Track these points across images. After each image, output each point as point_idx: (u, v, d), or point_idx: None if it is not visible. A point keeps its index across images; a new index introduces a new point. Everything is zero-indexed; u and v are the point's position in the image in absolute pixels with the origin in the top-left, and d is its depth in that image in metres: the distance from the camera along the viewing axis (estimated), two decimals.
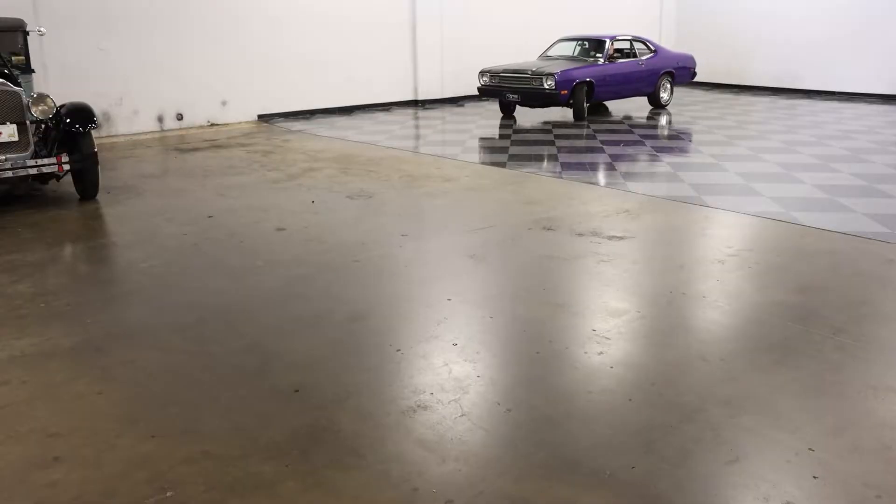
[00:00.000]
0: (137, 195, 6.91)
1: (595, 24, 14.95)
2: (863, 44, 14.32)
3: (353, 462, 2.69)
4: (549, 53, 12.68)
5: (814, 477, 2.58)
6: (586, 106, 11.43)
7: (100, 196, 6.77)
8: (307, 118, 12.17)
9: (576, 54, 12.49)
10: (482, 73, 11.80)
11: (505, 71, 11.49)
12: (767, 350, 3.56)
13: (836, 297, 4.22)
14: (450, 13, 13.65)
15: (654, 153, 8.77)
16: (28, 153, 6.22)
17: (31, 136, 6.27)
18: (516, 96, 11.28)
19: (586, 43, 12.53)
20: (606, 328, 3.84)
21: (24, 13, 8.55)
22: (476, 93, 12.41)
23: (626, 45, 12.43)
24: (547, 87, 10.76)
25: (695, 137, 9.96)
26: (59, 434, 2.89)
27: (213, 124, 11.41)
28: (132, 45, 10.31)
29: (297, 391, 3.20)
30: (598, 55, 11.94)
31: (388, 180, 7.41)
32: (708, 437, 2.83)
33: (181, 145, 9.80)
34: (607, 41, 12.01)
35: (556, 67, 11.06)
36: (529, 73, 11.04)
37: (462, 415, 3.01)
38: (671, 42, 17.70)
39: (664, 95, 13.00)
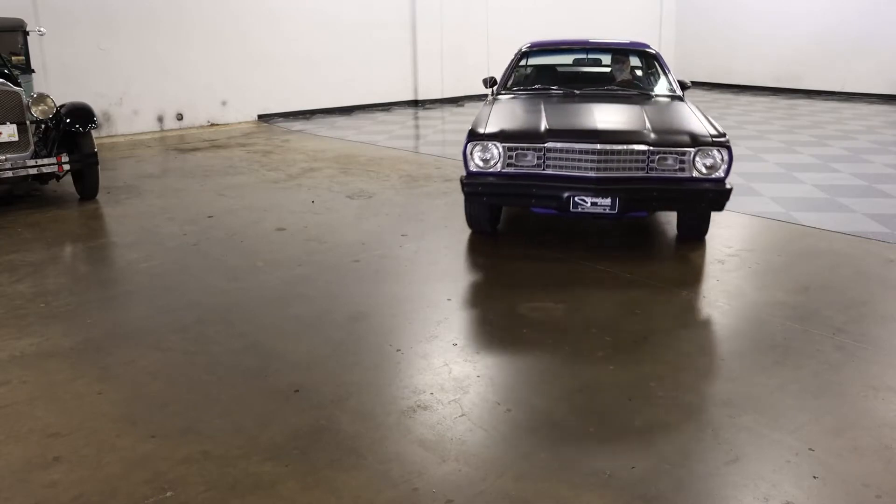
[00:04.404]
0: (137, 195, 6.91)
1: (596, 25, 14.95)
2: (863, 44, 14.32)
3: (353, 462, 2.69)
4: (515, 79, 6.54)
5: (814, 477, 2.58)
6: None
7: (100, 196, 6.77)
8: (307, 118, 12.17)
9: (588, 77, 6.84)
10: (479, 141, 4.96)
11: (565, 134, 4.88)
12: (767, 350, 3.56)
13: (836, 297, 4.22)
14: (450, 13, 13.65)
15: None
16: (28, 153, 6.22)
17: (31, 136, 6.27)
18: (608, 202, 4.71)
19: (599, 57, 7.20)
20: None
21: (24, 13, 8.55)
22: (478, 92, 12.23)
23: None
24: (704, 172, 4.75)
25: None
26: (59, 434, 2.89)
27: (213, 124, 11.40)
28: (132, 45, 10.31)
29: (297, 391, 3.20)
30: (649, 78, 6.58)
31: (388, 180, 7.41)
32: (708, 437, 2.83)
33: (181, 145, 9.80)
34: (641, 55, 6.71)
35: (692, 123, 5.11)
36: (649, 138, 4.77)
37: (462, 415, 3.00)
38: (671, 43, 17.71)
39: None
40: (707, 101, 14.36)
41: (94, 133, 6.62)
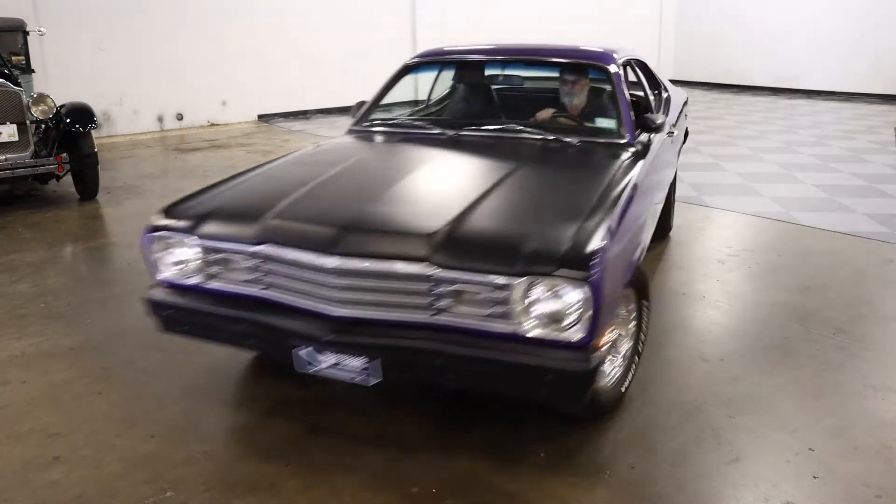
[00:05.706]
0: (137, 195, 6.91)
1: (597, 26, 14.94)
2: (863, 44, 14.32)
3: (353, 462, 2.69)
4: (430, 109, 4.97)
5: (814, 477, 2.58)
6: None
7: (100, 196, 6.77)
8: (307, 118, 12.17)
9: (512, 105, 4.38)
10: (164, 230, 3.04)
11: (290, 232, 2.61)
12: (767, 350, 3.56)
13: (836, 297, 4.22)
14: (450, 13, 13.64)
15: None
16: (28, 153, 6.22)
17: (31, 136, 6.27)
18: (361, 364, 2.55)
19: (517, 74, 4.67)
20: None
21: (24, 13, 8.55)
22: None
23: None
24: (543, 326, 2.36)
25: (695, 137, 9.96)
26: (59, 434, 2.89)
27: (213, 124, 11.41)
28: (132, 45, 10.31)
29: (296, 391, 3.20)
30: (604, 110, 3.92)
31: None
32: (708, 437, 2.83)
33: (181, 145, 9.80)
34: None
35: (556, 218, 2.58)
36: (428, 250, 2.41)
37: (461, 415, 3.00)
38: (671, 43, 17.71)
39: None
40: (707, 100, 14.37)
41: (94, 133, 6.62)
